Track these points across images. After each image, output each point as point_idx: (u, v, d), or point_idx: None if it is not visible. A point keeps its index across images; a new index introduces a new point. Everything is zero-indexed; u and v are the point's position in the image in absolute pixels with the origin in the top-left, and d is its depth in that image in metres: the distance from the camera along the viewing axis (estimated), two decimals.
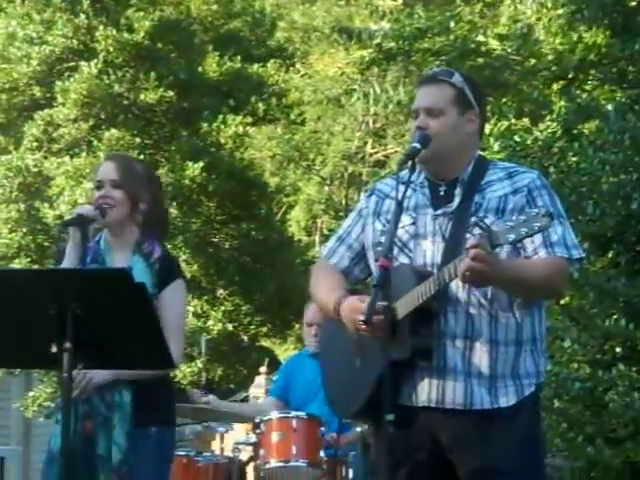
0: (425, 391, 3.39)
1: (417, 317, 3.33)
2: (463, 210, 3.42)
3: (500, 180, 3.48)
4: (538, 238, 3.33)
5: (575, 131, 9.26)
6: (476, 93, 3.55)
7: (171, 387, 4.24)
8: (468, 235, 3.32)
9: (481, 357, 3.37)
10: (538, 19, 10.43)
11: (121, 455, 3.88)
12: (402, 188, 3.35)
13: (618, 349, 7.92)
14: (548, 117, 9.70)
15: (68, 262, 3.85)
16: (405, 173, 3.44)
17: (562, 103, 9.65)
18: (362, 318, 3.22)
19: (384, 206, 3.58)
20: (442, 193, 3.49)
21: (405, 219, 3.45)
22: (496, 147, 9.39)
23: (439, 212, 3.46)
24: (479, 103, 3.55)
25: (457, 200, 3.45)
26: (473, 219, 3.35)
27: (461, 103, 3.48)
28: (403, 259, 3.46)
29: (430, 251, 3.43)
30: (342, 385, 3.61)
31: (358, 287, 3.69)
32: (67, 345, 3.13)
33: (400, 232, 3.42)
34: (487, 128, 9.63)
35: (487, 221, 3.31)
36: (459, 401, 3.37)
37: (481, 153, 3.67)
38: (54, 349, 3.15)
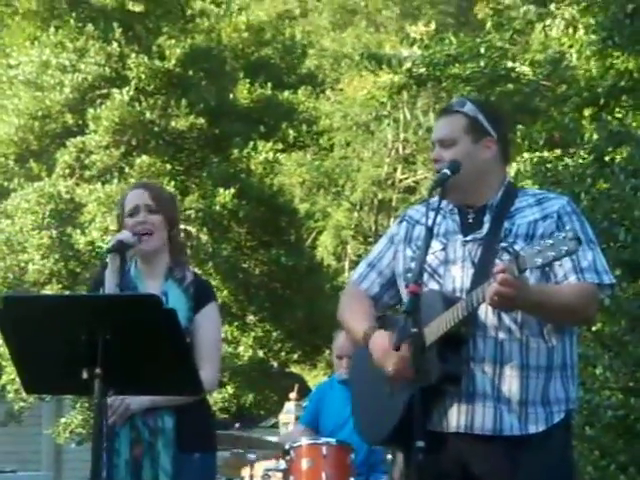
0: (454, 417, 3.38)
1: (446, 343, 3.33)
2: (492, 236, 3.42)
3: (530, 206, 3.48)
4: (568, 263, 3.33)
5: (606, 157, 9.22)
6: (492, 119, 3.55)
7: (210, 413, 4.25)
8: (497, 261, 3.32)
9: (511, 383, 3.36)
10: (570, 46, 10.42)
11: None
12: (432, 214, 3.35)
13: None
14: (579, 144, 9.66)
15: (107, 289, 3.86)
16: (435, 199, 3.44)
17: (593, 128, 9.61)
18: (394, 345, 3.22)
19: (415, 232, 3.59)
20: (471, 220, 3.50)
21: (435, 245, 3.45)
22: (528, 174, 9.37)
23: (469, 238, 3.46)
24: (497, 129, 3.55)
25: (487, 226, 3.46)
26: (502, 244, 3.34)
27: (475, 131, 3.49)
28: (433, 285, 3.46)
29: (460, 277, 3.43)
30: (371, 412, 3.61)
31: (387, 313, 3.69)
32: (98, 371, 3.13)
33: (430, 258, 3.42)
34: (519, 159, 9.62)
35: (516, 247, 3.28)
36: (488, 427, 3.35)
37: (511, 180, 3.67)
38: (85, 375, 3.15)
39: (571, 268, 3.35)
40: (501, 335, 3.37)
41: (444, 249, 3.48)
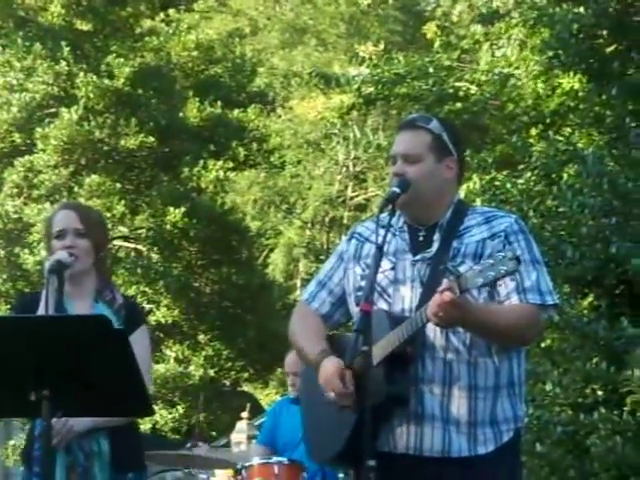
0: (403, 438, 3.37)
1: (392, 363, 3.31)
2: (441, 255, 3.41)
3: (478, 225, 3.47)
4: (511, 283, 3.33)
5: (554, 175, 9.31)
6: (455, 139, 3.54)
7: (139, 432, 4.24)
8: (445, 280, 3.30)
9: (459, 404, 3.35)
10: (516, 67, 10.53)
11: None
12: (382, 232, 3.34)
13: (599, 392, 7.90)
14: (527, 162, 9.76)
15: (45, 309, 3.82)
16: (385, 216, 3.43)
17: (540, 147, 9.71)
18: (345, 363, 3.22)
19: (364, 250, 3.57)
20: (421, 238, 3.49)
21: (385, 264, 3.43)
22: (476, 192, 9.44)
23: (418, 257, 3.46)
24: (458, 149, 3.54)
25: (435, 246, 3.45)
26: (447, 264, 3.31)
27: (439, 150, 3.47)
28: (382, 304, 3.44)
29: (409, 297, 3.42)
30: (320, 430, 3.59)
31: (336, 331, 3.69)
32: (45, 393, 3.10)
33: (380, 277, 3.41)
34: (470, 182, 9.70)
35: (464, 267, 3.29)
36: (437, 448, 3.34)
37: (461, 198, 3.67)
38: (33, 397, 3.12)
39: (514, 288, 3.35)
40: (449, 355, 3.36)
41: (393, 268, 3.46)
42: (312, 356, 3.47)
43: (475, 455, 3.35)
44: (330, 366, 3.38)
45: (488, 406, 3.37)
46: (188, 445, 6.39)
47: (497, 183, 9.46)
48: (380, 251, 3.33)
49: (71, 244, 3.98)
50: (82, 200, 14.93)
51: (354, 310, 3.52)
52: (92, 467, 3.88)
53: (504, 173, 9.87)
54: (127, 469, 3.95)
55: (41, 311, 3.85)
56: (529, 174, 9.51)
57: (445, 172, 3.50)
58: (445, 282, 3.17)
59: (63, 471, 3.85)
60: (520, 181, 9.40)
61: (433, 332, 3.35)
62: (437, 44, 11.67)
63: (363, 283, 3.44)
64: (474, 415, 3.35)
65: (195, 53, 18.96)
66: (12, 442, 15.40)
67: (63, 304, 4.00)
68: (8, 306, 15.26)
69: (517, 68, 10.38)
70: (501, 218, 3.50)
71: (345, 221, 23.43)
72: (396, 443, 3.37)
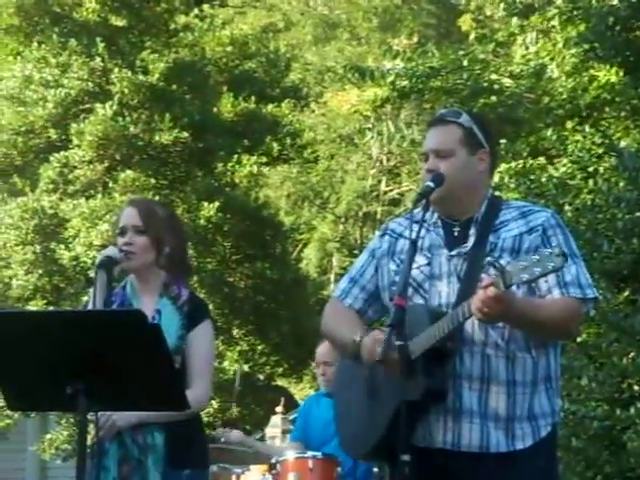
0: (441, 434, 3.36)
1: (431, 357, 3.30)
2: (478, 250, 3.40)
3: (514, 220, 3.45)
4: (552, 278, 3.31)
5: (590, 169, 9.26)
6: (485, 132, 3.53)
7: (202, 429, 4.21)
8: (483, 275, 3.30)
9: (498, 399, 3.34)
10: (551, 58, 10.47)
11: None
12: (416, 227, 3.33)
13: (636, 387, 7.86)
14: (563, 155, 9.71)
15: (94, 304, 3.84)
16: (419, 212, 3.42)
17: (576, 140, 9.66)
18: (379, 355, 3.19)
19: (398, 246, 3.56)
20: (456, 233, 3.47)
21: (420, 259, 3.43)
22: (512, 185, 9.40)
23: (454, 252, 3.44)
24: (489, 141, 3.54)
25: (472, 240, 3.43)
26: (488, 259, 3.31)
27: (470, 143, 3.47)
28: (418, 300, 3.43)
29: (445, 292, 3.41)
30: (354, 425, 3.58)
31: (372, 326, 3.67)
32: (82, 387, 3.12)
33: (415, 272, 3.39)
34: (503, 167, 9.67)
35: (502, 261, 3.26)
36: (475, 444, 3.33)
37: (494, 192, 3.65)
38: (69, 391, 3.14)
39: (555, 283, 3.33)
40: (488, 350, 3.35)
41: (429, 264, 3.45)
42: (351, 341, 3.43)
43: (513, 450, 3.34)
44: (371, 337, 3.36)
45: (526, 401, 3.36)
46: (222, 440, 6.40)
47: (532, 177, 9.41)
48: (414, 245, 3.32)
49: (129, 241, 4.01)
50: (117, 196, 15.01)
51: (389, 305, 3.50)
52: (145, 461, 3.89)
53: (539, 160, 9.81)
54: (183, 466, 3.93)
55: (89, 306, 3.88)
56: (564, 168, 9.46)
57: (478, 165, 3.49)
58: (488, 277, 3.16)
59: (115, 464, 3.87)
60: (556, 174, 9.35)
61: (471, 327, 3.34)
62: (472, 36, 11.63)
63: (397, 278, 3.43)
64: (512, 410, 3.34)
65: (229, 48, 18.97)
66: (48, 436, 15.50)
67: (129, 299, 4.04)
68: (44, 301, 15.37)
69: (552, 59, 10.32)
70: (537, 213, 3.48)
71: (379, 216, 23.41)
72: (433, 438, 3.36)
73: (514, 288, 3.23)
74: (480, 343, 3.35)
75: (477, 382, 3.34)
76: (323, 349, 6.20)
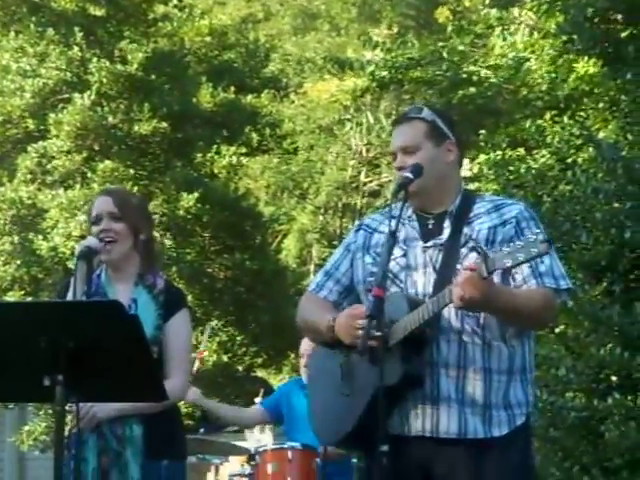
0: (419, 420, 3.38)
1: (409, 344, 3.33)
2: (453, 242, 3.44)
3: (487, 212, 3.50)
4: (526, 269, 3.35)
5: (568, 160, 9.29)
6: (449, 123, 3.59)
7: (181, 421, 4.20)
8: (459, 266, 3.33)
9: (475, 386, 3.37)
10: (532, 51, 10.49)
11: None
12: (394, 220, 3.36)
13: (613, 378, 7.89)
14: (542, 146, 9.73)
15: (74, 295, 3.82)
16: (395, 207, 3.45)
17: (555, 131, 9.69)
18: (359, 346, 3.20)
19: (372, 240, 3.60)
20: (431, 226, 3.52)
21: (396, 251, 3.46)
22: (491, 176, 9.42)
23: (429, 244, 3.48)
24: (454, 133, 3.59)
25: (447, 232, 3.47)
26: (470, 244, 3.37)
27: (435, 135, 3.52)
28: (394, 290, 3.45)
29: (421, 282, 3.44)
30: (329, 412, 3.59)
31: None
32: (59, 378, 3.11)
33: (391, 264, 3.43)
34: (482, 158, 9.69)
35: (475, 253, 3.31)
36: (454, 430, 3.36)
37: (467, 187, 3.69)
38: (47, 382, 3.12)
39: (530, 273, 3.38)
40: (464, 338, 3.38)
41: (405, 255, 3.49)
42: (325, 323, 3.48)
43: (490, 437, 3.37)
44: (344, 314, 3.42)
45: (502, 389, 3.40)
46: (201, 431, 6.39)
47: (511, 168, 9.44)
48: (393, 237, 3.36)
49: (105, 227, 3.99)
50: (95, 186, 14.95)
51: (363, 299, 3.54)
52: (124, 452, 3.88)
53: (518, 151, 9.84)
54: (161, 456, 3.92)
55: (69, 296, 3.86)
56: (543, 159, 9.49)
57: (445, 156, 3.54)
58: (472, 262, 3.20)
59: (94, 455, 3.86)
60: (534, 165, 9.38)
61: (448, 314, 3.37)
62: (450, 29, 11.64)
63: (375, 269, 3.45)
64: (489, 397, 3.38)
65: (208, 39, 18.93)
66: (27, 427, 15.45)
67: (104, 287, 4.02)
68: (22, 292, 15.31)
69: (533, 52, 10.34)
70: (510, 206, 3.53)
71: (358, 207, 23.41)
72: (410, 425, 3.38)
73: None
74: (457, 331, 3.39)
75: (454, 369, 3.37)
76: (306, 342, 6.21)
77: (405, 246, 3.50)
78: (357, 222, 3.87)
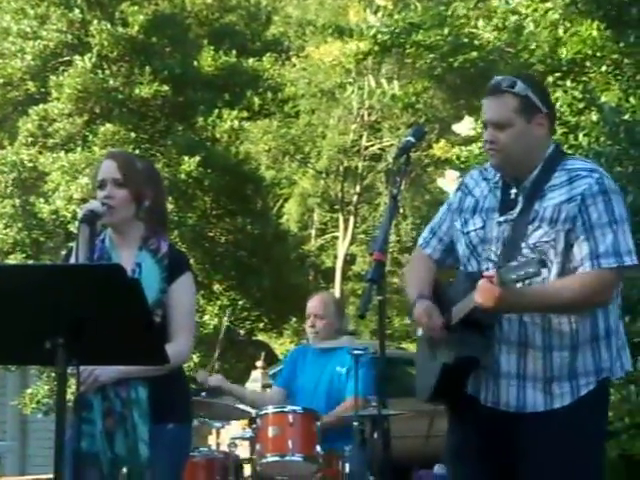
0: (483, 392, 3.51)
1: (468, 325, 3.42)
2: (522, 218, 3.47)
3: (561, 185, 3.48)
4: (586, 248, 3.37)
5: (571, 123, 9.25)
6: (541, 95, 3.57)
7: (186, 384, 4.20)
8: (523, 244, 3.40)
9: (535, 363, 3.44)
10: (534, 10, 10.40)
11: (149, 451, 3.86)
12: (484, 184, 3.59)
13: None
14: None
15: (76, 258, 3.82)
16: (490, 167, 3.59)
17: (557, 95, 9.64)
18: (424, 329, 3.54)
19: (466, 203, 3.66)
20: (512, 196, 3.54)
21: (477, 221, 3.56)
22: None
23: (502, 219, 3.52)
24: (545, 104, 3.57)
25: (518, 208, 3.50)
26: (536, 223, 3.42)
27: (527, 111, 3.51)
28: (473, 262, 3.56)
29: (494, 258, 3.51)
30: (421, 372, 3.81)
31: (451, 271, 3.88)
32: (60, 341, 3.11)
33: (472, 235, 3.56)
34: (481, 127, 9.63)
35: (540, 231, 3.39)
36: (512, 404, 3.45)
37: (556, 148, 3.62)
38: (48, 345, 3.13)
39: (587, 254, 3.38)
40: (525, 318, 3.44)
41: (483, 227, 3.55)
42: (411, 299, 3.64)
43: (551, 409, 3.43)
44: (419, 306, 3.55)
45: (565, 363, 3.44)
46: (203, 394, 6.41)
47: None
48: (395, 200, 3.40)
49: (108, 194, 3.97)
50: (96, 149, 14.94)
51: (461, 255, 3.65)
52: (130, 415, 3.88)
53: None
54: (166, 420, 3.92)
55: (72, 260, 3.86)
56: None
57: (536, 130, 3.53)
58: (489, 272, 3.31)
59: (100, 417, 3.88)
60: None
61: None
62: None
63: (469, 227, 3.58)
64: (550, 372, 3.44)
65: (209, 1, 18.84)
66: (29, 390, 15.53)
67: (108, 252, 4.01)
68: (24, 255, 15.33)
69: (535, 11, 10.25)
70: (583, 179, 3.47)
71: (360, 171, 23.37)
72: (479, 394, 3.52)
73: (551, 257, 3.37)
74: None
75: (515, 347, 3.44)
76: (314, 302, 6.23)
77: (485, 217, 3.56)
78: (460, 179, 3.94)
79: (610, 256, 3.38)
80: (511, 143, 3.48)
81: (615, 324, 3.52)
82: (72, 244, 4.04)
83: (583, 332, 3.44)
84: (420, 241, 3.84)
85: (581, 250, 3.37)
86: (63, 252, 4.56)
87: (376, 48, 11.48)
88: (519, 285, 3.30)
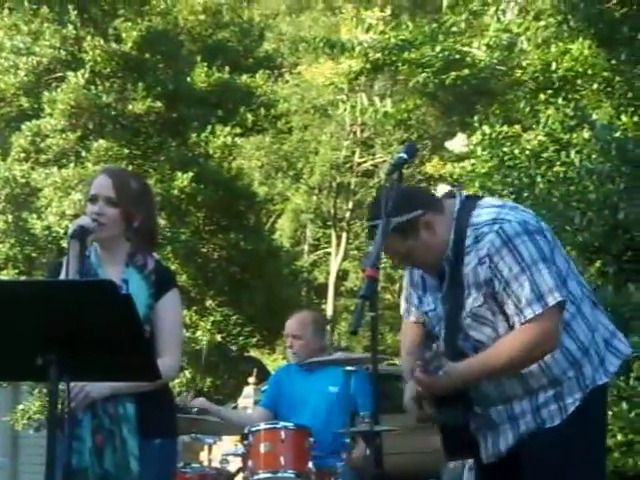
0: (483, 451, 3.56)
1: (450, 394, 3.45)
2: (454, 288, 3.45)
3: (471, 248, 3.41)
4: (511, 306, 3.33)
5: (563, 141, 9.29)
6: (403, 205, 3.39)
7: (172, 398, 4.21)
8: (464, 314, 3.41)
9: (523, 406, 3.46)
10: (526, 29, 10.45)
11: (139, 466, 3.85)
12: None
13: None
14: (535, 127, 9.72)
15: (67, 274, 3.81)
16: None
17: (549, 113, 9.68)
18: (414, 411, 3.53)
19: (414, 277, 3.68)
20: (446, 269, 3.50)
21: (429, 300, 3.58)
22: (485, 157, 9.41)
23: (439, 296, 3.53)
24: (419, 204, 3.45)
25: (445, 284, 3.48)
26: (464, 295, 3.40)
27: (409, 233, 3.43)
28: (436, 339, 3.54)
29: (443, 336, 3.52)
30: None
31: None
32: (52, 357, 3.11)
33: (430, 315, 3.57)
34: (476, 137, 9.66)
35: (470, 299, 3.37)
36: (512, 443, 3.49)
37: (462, 205, 3.52)
38: (40, 361, 3.12)
39: (514, 311, 3.34)
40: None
41: (435, 309, 3.56)
42: (405, 377, 3.62)
43: (544, 429, 3.44)
44: (408, 394, 3.53)
45: (550, 393, 3.44)
46: (194, 410, 6.40)
47: (505, 149, 9.42)
48: (387, 217, 3.31)
49: (99, 211, 3.95)
50: (89, 165, 14.93)
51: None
52: (119, 431, 3.88)
53: (514, 128, 9.80)
54: (154, 435, 3.92)
55: (62, 276, 3.85)
56: (537, 140, 9.48)
57: (429, 235, 3.45)
58: (419, 364, 3.39)
59: (89, 434, 3.87)
60: (528, 146, 9.38)
61: None
62: (445, 3, 11.59)
63: (425, 307, 3.59)
64: (535, 402, 3.45)
65: (202, 17, 18.89)
66: (21, 406, 15.48)
67: (95, 268, 4.00)
68: (16, 271, 15.31)
69: (527, 29, 10.29)
70: (486, 236, 3.38)
71: (352, 187, 23.41)
72: (480, 453, 3.58)
73: (490, 317, 3.39)
74: None
75: (499, 401, 3.48)
76: (292, 322, 6.21)
77: (433, 297, 3.57)
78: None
79: (534, 303, 3.30)
80: (421, 256, 3.46)
81: (587, 337, 3.47)
82: (56, 259, 4.03)
83: (557, 365, 3.41)
84: (402, 312, 3.79)
85: (509, 308, 3.33)
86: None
87: (368, 66, 11.52)
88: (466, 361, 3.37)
